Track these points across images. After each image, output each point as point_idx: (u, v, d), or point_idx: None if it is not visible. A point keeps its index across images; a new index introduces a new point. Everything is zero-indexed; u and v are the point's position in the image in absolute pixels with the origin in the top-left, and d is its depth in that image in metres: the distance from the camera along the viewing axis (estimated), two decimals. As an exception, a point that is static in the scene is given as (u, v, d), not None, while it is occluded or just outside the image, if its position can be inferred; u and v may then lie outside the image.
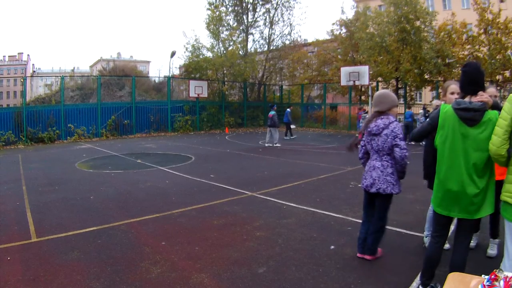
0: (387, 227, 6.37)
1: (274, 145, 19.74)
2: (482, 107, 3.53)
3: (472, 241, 5.20)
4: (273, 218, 7.03)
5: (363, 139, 4.94)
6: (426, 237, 5.45)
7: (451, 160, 3.71)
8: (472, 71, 3.74)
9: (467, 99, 3.67)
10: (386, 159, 4.66)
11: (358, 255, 5.04)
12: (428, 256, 4.03)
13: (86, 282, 4.44)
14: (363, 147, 4.98)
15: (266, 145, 20.00)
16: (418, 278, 4.37)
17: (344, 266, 4.88)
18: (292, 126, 33.59)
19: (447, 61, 25.42)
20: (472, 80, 3.71)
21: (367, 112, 18.75)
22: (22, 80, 29.19)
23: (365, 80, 26.76)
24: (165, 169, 12.39)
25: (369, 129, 4.74)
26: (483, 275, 2.33)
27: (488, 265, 4.45)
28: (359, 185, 9.81)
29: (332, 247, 5.55)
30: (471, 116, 3.55)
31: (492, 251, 5.10)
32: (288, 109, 22.47)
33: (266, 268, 4.82)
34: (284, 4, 37.43)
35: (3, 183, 10.45)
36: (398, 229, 6.10)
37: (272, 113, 20.03)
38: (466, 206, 3.61)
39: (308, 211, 7.49)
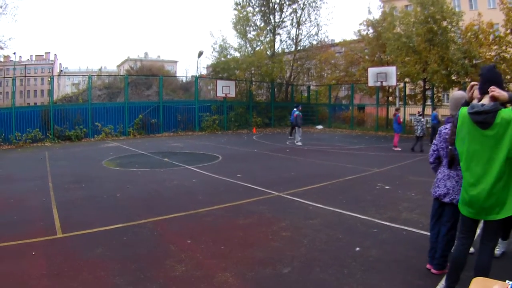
0: (414, 229, 6.37)
1: (296, 143, 20.64)
2: (493, 109, 3.50)
3: (497, 249, 5.13)
4: (299, 219, 7.05)
5: (435, 143, 4.74)
6: None
7: (468, 162, 3.74)
8: (486, 72, 3.80)
9: (484, 100, 3.67)
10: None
11: (428, 266, 4.84)
12: (454, 258, 4.02)
13: (110, 279, 4.55)
14: (435, 152, 4.75)
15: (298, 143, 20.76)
16: (442, 281, 4.35)
17: (369, 268, 4.88)
18: (319, 127, 33.57)
19: (474, 62, 24.95)
20: (487, 79, 3.73)
21: (422, 115, 18.55)
22: (49, 79, 29.74)
23: (393, 81, 26.52)
24: (192, 168, 12.51)
25: (446, 136, 4.50)
26: (507, 281, 2.33)
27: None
28: (386, 187, 9.76)
29: (358, 248, 5.54)
30: (482, 119, 3.55)
31: (497, 250, 5.04)
32: (294, 109, 22.65)
33: (290, 269, 4.86)
34: (311, 4, 37.26)
35: (30, 180, 10.71)
36: (424, 232, 6.06)
37: (296, 112, 21.24)
38: (486, 208, 3.62)
39: (334, 212, 7.49)
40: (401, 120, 19.54)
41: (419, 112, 19.13)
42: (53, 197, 8.67)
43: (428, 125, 19.30)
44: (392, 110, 26.90)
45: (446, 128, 4.52)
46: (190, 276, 4.66)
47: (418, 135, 17.76)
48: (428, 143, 19.43)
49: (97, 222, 6.75)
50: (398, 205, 7.98)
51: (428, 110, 26.81)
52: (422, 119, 18.11)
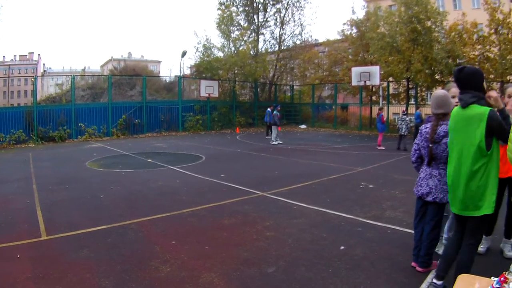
0: (398, 228, 6.39)
1: (271, 142, 20.85)
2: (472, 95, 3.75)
3: (482, 246, 5.17)
4: (283, 218, 7.04)
5: (416, 142, 4.75)
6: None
7: (451, 157, 3.96)
8: (454, 76, 3.96)
9: None
10: (443, 167, 4.42)
11: (413, 264, 4.84)
12: (444, 249, 4.21)
13: (96, 280, 4.49)
14: (417, 151, 4.76)
15: (273, 143, 20.89)
16: (428, 278, 4.38)
17: (353, 266, 4.88)
18: (303, 126, 33.64)
19: (457, 61, 25.19)
20: (456, 81, 3.93)
21: (406, 114, 18.64)
22: (33, 79, 29.39)
23: (376, 80, 26.69)
24: (176, 169, 12.43)
25: (427, 135, 4.52)
26: (492, 277, 2.33)
27: (498, 267, 4.43)
28: (370, 186, 9.80)
29: (342, 247, 5.54)
30: (461, 98, 3.81)
31: (481, 247, 5.07)
32: (268, 109, 22.83)
33: (275, 268, 4.83)
34: (295, 4, 37.39)
35: (13, 181, 10.56)
36: (408, 230, 6.08)
37: (274, 112, 21.58)
38: (463, 203, 3.77)
39: (318, 211, 7.48)
40: (385, 119, 19.61)
41: (403, 111, 19.21)
42: (37, 199, 8.54)
43: (412, 124, 19.39)
44: (375, 109, 27.08)
45: (427, 127, 4.55)
46: (175, 276, 4.61)
47: (402, 133, 17.80)
48: (412, 142, 19.57)
49: (82, 224, 6.66)
50: (382, 204, 8.01)
51: (412, 109, 27.04)
52: (407, 118, 18.20)
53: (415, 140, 4.78)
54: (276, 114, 21.20)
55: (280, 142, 20.73)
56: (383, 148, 18.04)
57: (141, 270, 4.77)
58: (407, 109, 25.24)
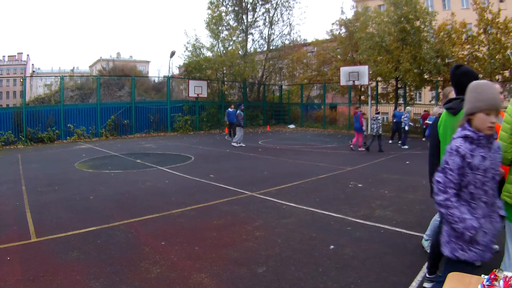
0: (388, 227, 6.39)
1: (236, 144, 19.59)
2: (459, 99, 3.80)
3: None
4: (273, 218, 7.01)
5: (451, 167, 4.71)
6: (426, 240, 5.40)
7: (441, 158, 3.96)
8: (450, 74, 4.00)
9: None
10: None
11: None
12: (431, 248, 4.27)
13: (86, 282, 4.43)
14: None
15: (233, 144, 19.79)
16: (418, 276, 4.40)
17: (343, 266, 4.86)
18: (291, 126, 33.62)
19: (446, 61, 25.42)
20: (451, 81, 4.00)
21: (378, 113, 18.17)
22: (21, 80, 29.21)
23: (365, 80, 26.79)
24: (165, 169, 12.37)
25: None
26: (482, 275, 2.32)
27: (488, 265, 4.45)
28: (359, 185, 9.82)
29: (332, 247, 5.52)
30: (451, 105, 3.92)
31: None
32: (229, 109, 22.27)
33: (265, 268, 4.81)
34: (284, 4, 37.45)
35: (2, 183, 10.43)
36: (397, 229, 6.09)
37: (238, 111, 20.15)
38: None
39: (307, 211, 7.47)
40: (363, 119, 18.72)
41: (376, 110, 18.79)
42: (27, 200, 8.43)
43: (382, 123, 18.80)
44: (364, 109, 27.07)
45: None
46: (165, 278, 4.57)
47: (374, 134, 17.22)
48: (389, 141, 19.64)
49: (71, 225, 6.59)
50: (371, 203, 8.02)
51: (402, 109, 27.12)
52: (379, 117, 17.72)
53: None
54: (239, 114, 19.90)
55: (243, 145, 19.49)
56: (363, 149, 17.49)
57: (131, 272, 4.73)
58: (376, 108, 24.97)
